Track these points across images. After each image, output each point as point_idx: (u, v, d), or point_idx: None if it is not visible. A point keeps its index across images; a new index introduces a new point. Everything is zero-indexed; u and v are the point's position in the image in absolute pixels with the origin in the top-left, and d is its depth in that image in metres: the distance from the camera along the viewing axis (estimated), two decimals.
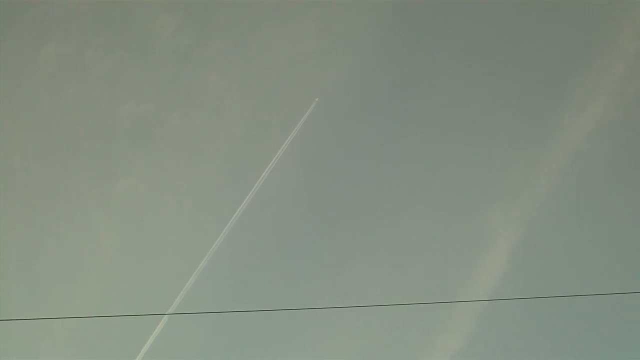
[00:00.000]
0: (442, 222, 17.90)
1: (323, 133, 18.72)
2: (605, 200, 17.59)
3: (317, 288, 17.59)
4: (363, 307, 8.98)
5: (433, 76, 19.07)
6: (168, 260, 17.71)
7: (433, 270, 17.54)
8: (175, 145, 18.70)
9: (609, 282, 16.21)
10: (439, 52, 19.14)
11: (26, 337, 17.47)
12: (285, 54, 19.11)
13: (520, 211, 17.63)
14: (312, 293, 17.26)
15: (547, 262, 17.58)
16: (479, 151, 18.33)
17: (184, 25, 19.24)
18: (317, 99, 18.29)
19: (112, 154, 18.37)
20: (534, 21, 18.98)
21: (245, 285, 18.16)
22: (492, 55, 18.74)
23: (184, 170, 18.49)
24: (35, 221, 17.86)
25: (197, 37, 19.11)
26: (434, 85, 19.03)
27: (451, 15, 19.17)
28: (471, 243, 17.71)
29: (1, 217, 17.29)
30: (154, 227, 18.06)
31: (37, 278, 17.63)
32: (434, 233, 18.00)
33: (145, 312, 10.40)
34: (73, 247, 17.88)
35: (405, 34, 19.49)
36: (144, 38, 18.95)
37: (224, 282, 17.90)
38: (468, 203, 17.89)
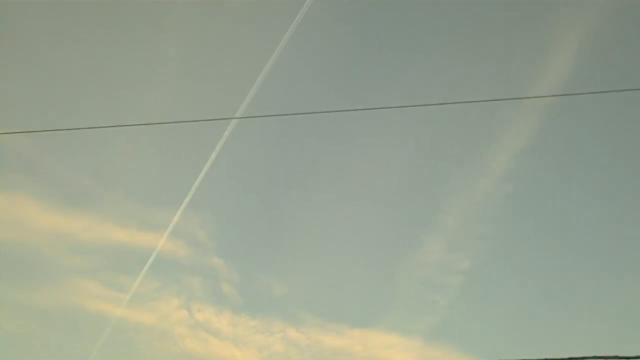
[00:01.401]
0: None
1: None
2: None
3: (383, 88, 17.51)
4: (429, 105, 8.92)
5: None
6: (234, 64, 17.71)
7: (500, 68, 17.20)
8: None
9: None
10: None
11: (97, 145, 18.05)
12: None
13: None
14: (377, 93, 17.21)
15: (618, 55, 17.03)
16: None
17: None
18: None
19: None
20: None
21: (310, 88, 18.18)
22: None
23: None
24: (101, 32, 17.91)
25: None
26: None
27: None
28: (539, 39, 17.17)
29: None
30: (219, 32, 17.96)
31: (105, 85, 17.92)
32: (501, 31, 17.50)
33: (214, 117, 10.59)
34: (139, 53, 17.98)
35: None
36: None
37: (289, 86, 17.95)
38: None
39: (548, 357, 5.31)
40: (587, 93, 8.78)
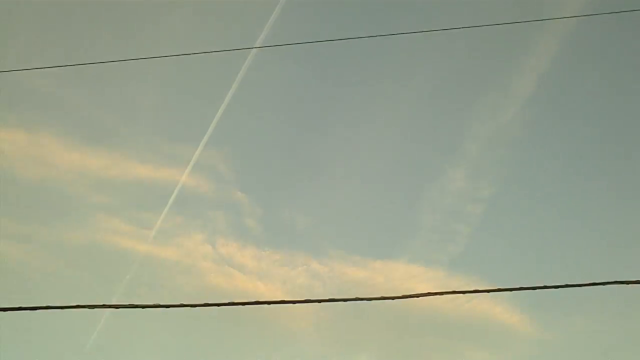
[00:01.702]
0: None
1: None
2: None
3: (405, 13, 17.23)
4: (451, 29, 8.75)
5: None
6: None
7: None
8: None
9: None
10: None
11: (118, 81, 18.02)
12: None
13: None
14: (399, 18, 16.92)
15: None
16: None
17: None
18: None
19: None
20: None
21: (331, 14, 17.89)
22: None
23: None
24: None
25: None
26: None
27: None
28: None
29: None
30: None
31: (124, 20, 17.77)
32: None
33: (232, 47, 10.47)
34: None
35: None
36: None
37: (310, 13, 17.68)
38: None
39: (569, 283, 5.30)
40: (610, 13, 8.55)
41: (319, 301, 4.69)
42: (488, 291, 5.26)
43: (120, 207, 17.73)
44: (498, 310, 16.91)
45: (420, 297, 5.18)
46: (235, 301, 4.60)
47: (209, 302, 4.61)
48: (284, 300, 4.82)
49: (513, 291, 5.23)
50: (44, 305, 4.56)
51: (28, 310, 4.51)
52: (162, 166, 17.86)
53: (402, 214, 18.05)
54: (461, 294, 5.34)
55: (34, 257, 16.81)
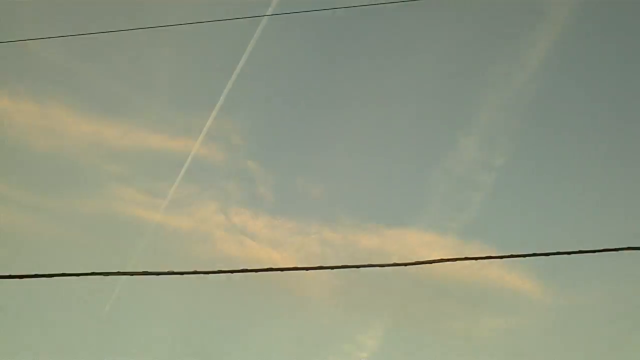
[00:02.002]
0: None
1: None
2: None
3: None
4: None
5: None
6: None
7: None
8: None
9: None
10: None
11: (128, 50, 17.97)
12: None
13: None
14: None
15: None
16: None
17: None
18: None
19: None
20: None
21: None
22: None
23: None
24: None
25: None
26: None
27: None
28: None
29: None
30: None
31: None
32: None
33: (244, 15, 10.41)
34: None
35: None
36: None
37: None
38: None
39: (583, 249, 5.29)
40: None
41: (332, 267, 4.70)
42: (501, 257, 5.26)
43: (133, 177, 17.80)
44: (512, 277, 16.94)
45: (434, 264, 5.18)
46: (248, 268, 4.62)
47: (222, 269, 4.63)
48: (296, 267, 4.83)
49: (527, 257, 5.22)
50: (60, 272, 4.60)
51: (44, 278, 4.55)
52: (174, 136, 17.89)
53: (415, 181, 18.04)
54: (474, 260, 5.34)
55: (49, 227, 16.93)
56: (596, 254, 5.31)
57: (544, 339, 16.03)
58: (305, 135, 18.68)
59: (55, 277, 4.61)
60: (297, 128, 18.72)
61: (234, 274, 4.61)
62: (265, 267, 4.86)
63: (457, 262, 5.33)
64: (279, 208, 17.76)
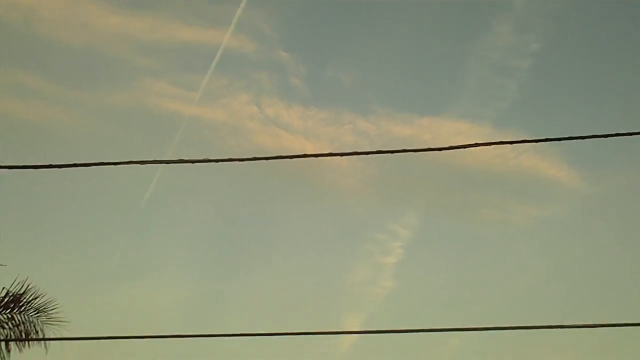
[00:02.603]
0: None
1: None
2: None
3: None
4: None
5: None
6: None
7: None
8: None
9: None
10: None
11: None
12: None
13: None
14: None
15: None
16: None
17: None
18: None
19: None
20: None
21: None
22: None
23: None
24: None
25: None
26: None
27: None
28: None
29: None
30: None
31: None
32: None
33: None
34: None
35: None
36: None
37: None
38: None
39: (620, 132, 5.21)
40: None
41: (366, 153, 4.71)
42: (536, 141, 5.20)
43: (165, 70, 17.82)
44: (545, 164, 16.92)
45: (467, 149, 5.15)
46: (283, 154, 4.65)
47: (258, 156, 4.67)
48: (331, 153, 4.84)
49: (562, 141, 5.16)
50: (98, 161, 4.68)
51: (83, 167, 4.63)
52: (205, 27, 17.74)
53: (449, 69, 17.81)
54: (509, 146, 5.30)
55: (84, 122, 17.15)
56: (632, 137, 5.23)
57: (578, 227, 16.12)
58: (337, 23, 18.42)
59: (94, 167, 4.69)
60: (328, 16, 18.43)
61: (269, 160, 4.65)
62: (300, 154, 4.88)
63: (491, 148, 5.31)
64: (311, 98, 17.75)
